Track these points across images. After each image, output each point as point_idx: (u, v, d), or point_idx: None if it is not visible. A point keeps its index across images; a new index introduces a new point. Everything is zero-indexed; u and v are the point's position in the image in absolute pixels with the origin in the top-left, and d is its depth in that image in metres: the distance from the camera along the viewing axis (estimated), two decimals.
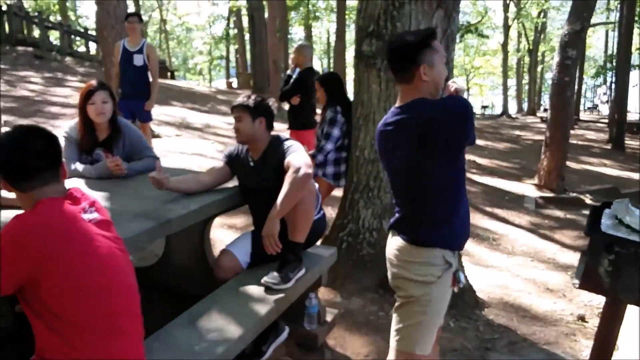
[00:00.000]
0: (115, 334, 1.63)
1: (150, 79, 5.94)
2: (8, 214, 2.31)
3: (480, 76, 43.26)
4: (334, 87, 4.39)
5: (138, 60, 5.85)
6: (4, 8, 18.53)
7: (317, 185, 2.82)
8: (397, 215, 2.12)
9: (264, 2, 18.16)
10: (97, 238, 1.63)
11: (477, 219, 6.27)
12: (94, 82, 3.21)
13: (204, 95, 17.32)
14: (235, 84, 24.79)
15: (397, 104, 2.05)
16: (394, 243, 2.11)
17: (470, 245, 5.13)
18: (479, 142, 12.56)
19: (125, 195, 2.73)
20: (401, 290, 2.09)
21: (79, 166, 3.08)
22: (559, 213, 7.16)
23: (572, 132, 9.53)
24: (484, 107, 33.17)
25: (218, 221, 4.63)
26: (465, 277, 2.44)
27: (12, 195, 2.33)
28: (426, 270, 2.00)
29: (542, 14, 29.26)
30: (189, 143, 8.63)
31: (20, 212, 1.64)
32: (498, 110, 32.21)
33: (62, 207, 1.60)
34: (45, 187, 1.64)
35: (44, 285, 1.52)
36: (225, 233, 4.82)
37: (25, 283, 1.52)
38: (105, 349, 1.59)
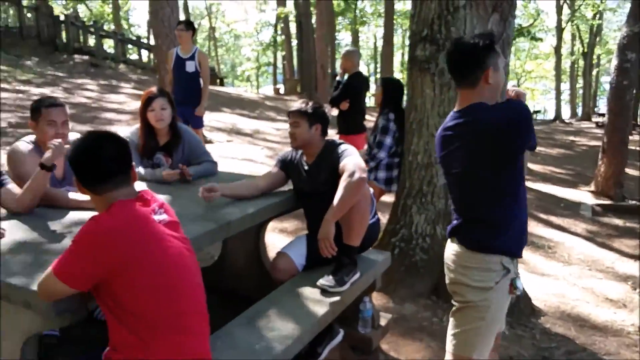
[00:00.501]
0: (185, 332, 1.69)
1: (202, 85, 6.09)
2: (77, 215, 2.45)
3: (531, 80, 42.21)
4: (394, 91, 4.40)
5: (190, 66, 6.01)
6: (62, 18, 19.38)
7: (371, 189, 2.83)
8: (455, 221, 2.11)
9: (312, 9, 18.33)
10: (167, 238, 1.70)
11: (531, 226, 6.12)
12: (153, 89, 3.31)
13: (252, 101, 17.58)
14: (282, 90, 25.06)
15: (456, 108, 2.04)
16: (452, 248, 2.10)
17: (525, 253, 4.98)
18: None
19: (185, 198, 2.82)
20: (459, 296, 2.08)
21: (140, 170, 3.19)
22: (617, 221, 6.90)
23: (630, 137, 9.15)
24: (536, 112, 32.36)
25: (270, 225, 4.69)
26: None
27: (82, 197, 2.46)
28: (484, 276, 1.99)
29: (597, 16, 28.30)
30: (239, 148, 8.78)
31: (94, 213, 1.73)
32: (550, 115, 31.38)
33: (134, 209, 1.68)
34: (118, 189, 1.72)
35: (119, 283, 1.59)
36: (277, 237, 4.88)
37: (101, 281, 1.60)
38: (175, 346, 1.65)
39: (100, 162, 1.70)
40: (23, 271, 1.81)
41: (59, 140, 2.56)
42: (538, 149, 13.58)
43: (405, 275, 3.77)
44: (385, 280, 3.44)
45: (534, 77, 41.83)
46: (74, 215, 2.47)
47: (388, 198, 4.97)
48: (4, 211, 2.62)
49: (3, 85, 11.45)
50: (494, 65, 1.95)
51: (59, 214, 2.48)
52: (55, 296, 1.63)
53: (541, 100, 44.97)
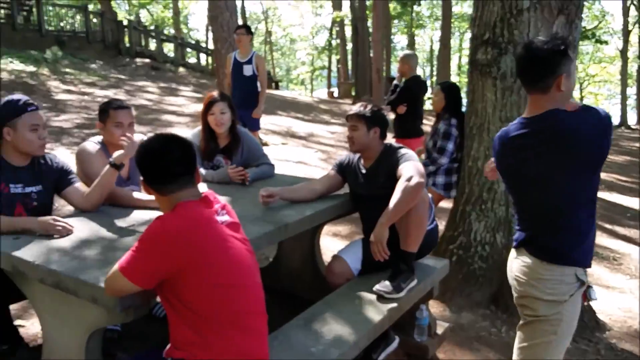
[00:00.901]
0: (245, 331, 1.71)
1: (259, 89, 6.18)
2: (141, 214, 2.52)
3: (595, 84, 40.52)
4: (455, 96, 4.32)
5: (247, 70, 6.11)
6: (125, 23, 20.17)
7: (430, 195, 2.78)
8: (524, 231, 2.03)
9: (368, 12, 18.30)
10: (229, 239, 1.73)
11: (596, 236, 5.86)
12: (215, 93, 3.38)
13: (306, 104, 17.71)
14: (336, 94, 25.14)
15: (526, 114, 1.97)
16: (521, 260, 2.02)
17: None
18: None
19: (244, 199, 2.86)
20: (529, 310, 2.00)
21: (202, 171, 3.26)
22: None
23: None
24: None
25: (324, 228, 4.71)
26: None
27: (146, 197, 2.54)
28: (558, 289, 1.91)
29: None
30: (294, 151, 8.85)
31: (158, 213, 1.78)
32: (615, 121, 30.03)
33: (198, 210, 1.71)
34: (183, 190, 1.75)
35: (182, 281, 1.63)
36: (330, 240, 4.88)
37: (165, 279, 1.64)
38: (235, 345, 1.67)
39: (167, 163, 1.74)
40: (90, 267, 1.87)
41: (131, 138, 2.63)
42: None
43: (463, 284, 3.68)
44: (442, 287, 3.37)
45: (598, 82, 40.13)
46: (138, 214, 2.54)
47: (446, 204, 4.88)
48: (71, 209, 2.74)
49: (69, 88, 12.01)
50: (567, 72, 1.86)
51: (123, 212, 2.56)
52: (121, 293, 1.67)
53: (605, 105, 43.11)
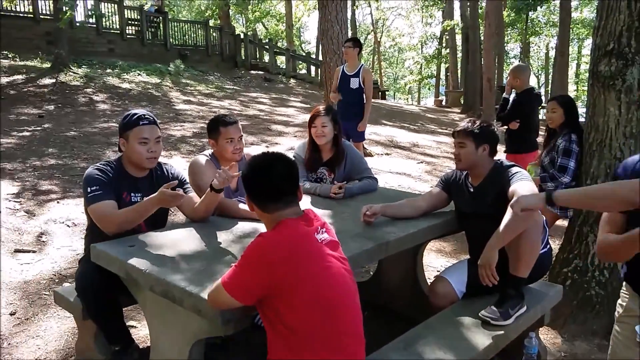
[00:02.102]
0: (339, 352, 1.69)
1: (365, 101, 6.20)
2: (247, 225, 2.60)
3: None
4: (574, 111, 4.06)
5: (354, 83, 6.17)
6: (242, 37, 21.21)
7: (544, 217, 2.60)
8: None
9: (480, 21, 17.76)
10: (328, 258, 1.73)
11: None
12: (320, 107, 3.45)
13: (412, 113, 17.51)
14: (444, 102, 24.69)
15: None
16: None
17: None
18: None
19: (345, 214, 2.86)
20: None
21: (306, 184, 3.32)
22: None
23: None
24: None
25: (428, 244, 4.60)
26: None
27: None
28: None
29: None
30: (397, 162, 8.76)
31: (262, 224, 1.83)
32: None
33: (300, 228, 1.74)
34: (286, 208, 1.80)
35: (282, 298, 1.65)
36: (434, 256, 4.76)
37: (266, 295, 1.67)
38: None
39: (272, 182, 1.79)
40: (195, 278, 1.94)
41: (228, 168, 2.67)
42: None
43: (578, 310, 3.42)
44: (553, 313, 3.16)
45: None
46: (243, 226, 2.63)
47: (561, 222, 4.58)
48: (184, 217, 2.89)
49: (189, 98, 12.83)
50: None
51: (230, 223, 2.66)
52: (223, 307, 1.72)
53: None
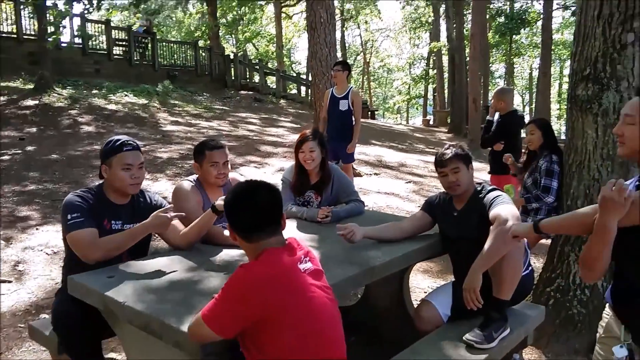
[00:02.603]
0: None
1: (354, 123, 6.27)
2: (231, 253, 2.59)
3: None
4: (551, 132, 4.17)
5: (343, 105, 6.24)
6: (231, 57, 21.31)
7: (525, 240, 2.65)
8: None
9: (466, 42, 18.07)
10: (311, 288, 1.72)
11: None
12: (308, 131, 3.47)
13: (401, 133, 17.66)
14: (432, 122, 25.02)
15: None
16: None
17: None
18: None
19: (332, 238, 2.85)
20: None
21: (294, 208, 3.34)
22: None
23: None
24: None
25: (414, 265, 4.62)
26: None
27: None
28: None
29: None
30: (386, 182, 8.81)
31: (245, 261, 1.81)
32: None
33: (282, 258, 1.72)
34: (269, 238, 1.78)
35: (264, 331, 1.64)
36: (421, 277, 4.78)
37: (247, 328, 1.66)
38: None
39: (254, 212, 1.78)
40: (175, 310, 1.90)
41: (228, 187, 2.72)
42: None
43: (561, 329, 3.47)
44: (537, 332, 3.19)
45: None
46: (229, 253, 2.60)
47: (546, 241, 4.64)
48: (166, 245, 2.83)
49: (177, 119, 12.79)
50: None
51: (214, 251, 2.62)
52: (203, 340, 1.69)
53: None
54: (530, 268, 2.82)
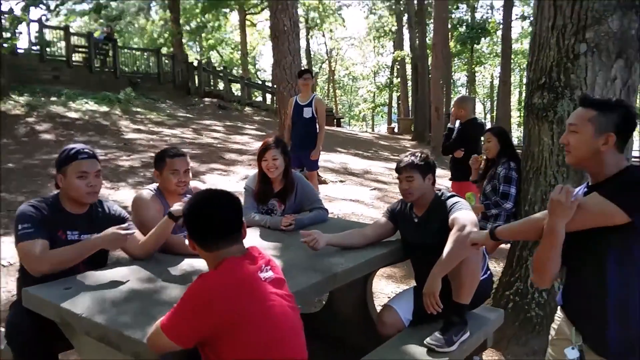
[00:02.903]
0: None
1: (318, 130, 6.30)
2: (192, 262, 2.56)
3: None
4: (508, 140, 4.28)
5: (307, 112, 6.27)
6: (195, 64, 21.12)
7: (484, 247, 2.71)
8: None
9: (428, 51, 18.41)
10: (271, 297, 1.71)
11: None
12: (270, 139, 3.47)
13: (366, 141, 17.80)
14: (396, 129, 25.31)
15: None
16: None
17: None
18: None
19: (295, 246, 2.86)
20: None
21: (257, 216, 3.34)
22: None
23: None
24: None
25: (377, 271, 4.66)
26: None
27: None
28: None
29: None
30: (351, 189, 8.86)
31: (205, 271, 1.79)
32: None
33: (242, 267, 1.71)
34: (229, 247, 1.76)
35: (224, 340, 1.63)
36: (385, 283, 4.83)
37: (207, 338, 1.64)
38: None
39: (214, 221, 1.76)
40: (136, 322, 1.87)
41: (189, 195, 2.67)
42: None
43: (520, 331, 3.55)
44: (497, 335, 3.26)
45: None
46: (189, 262, 2.57)
47: (506, 245, 4.75)
48: (125, 255, 2.77)
49: (139, 127, 12.59)
50: None
51: (174, 260, 2.59)
52: (162, 350, 1.67)
53: None
54: (488, 272, 2.88)
